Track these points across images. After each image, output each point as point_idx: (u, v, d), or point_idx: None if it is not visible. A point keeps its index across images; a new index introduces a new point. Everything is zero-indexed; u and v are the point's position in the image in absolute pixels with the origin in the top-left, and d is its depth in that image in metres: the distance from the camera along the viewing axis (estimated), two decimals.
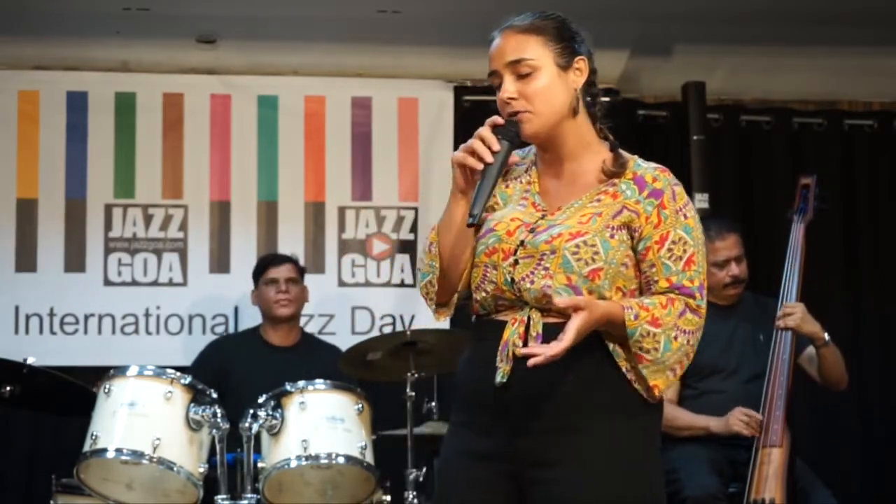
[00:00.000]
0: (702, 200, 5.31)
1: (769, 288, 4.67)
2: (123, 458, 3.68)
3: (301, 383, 3.92)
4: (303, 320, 5.13)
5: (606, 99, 2.68)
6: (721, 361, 4.48)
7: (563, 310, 2.25)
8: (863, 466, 5.46)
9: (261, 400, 3.90)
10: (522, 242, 2.38)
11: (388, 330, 5.29)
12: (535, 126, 2.40)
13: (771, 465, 4.13)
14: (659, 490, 2.41)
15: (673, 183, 2.41)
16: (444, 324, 5.05)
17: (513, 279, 2.37)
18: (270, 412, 3.86)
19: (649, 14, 5.13)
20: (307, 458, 3.81)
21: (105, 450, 3.68)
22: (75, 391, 4.04)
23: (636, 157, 2.47)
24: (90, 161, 5.30)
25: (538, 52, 2.40)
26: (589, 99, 2.51)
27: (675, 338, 2.33)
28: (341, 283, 5.40)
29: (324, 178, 5.44)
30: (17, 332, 5.18)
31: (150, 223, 5.32)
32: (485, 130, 2.37)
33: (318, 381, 3.99)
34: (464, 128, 5.31)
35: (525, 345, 2.32)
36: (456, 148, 2.49)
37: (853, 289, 5.61)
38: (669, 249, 2.35)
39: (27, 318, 5.19)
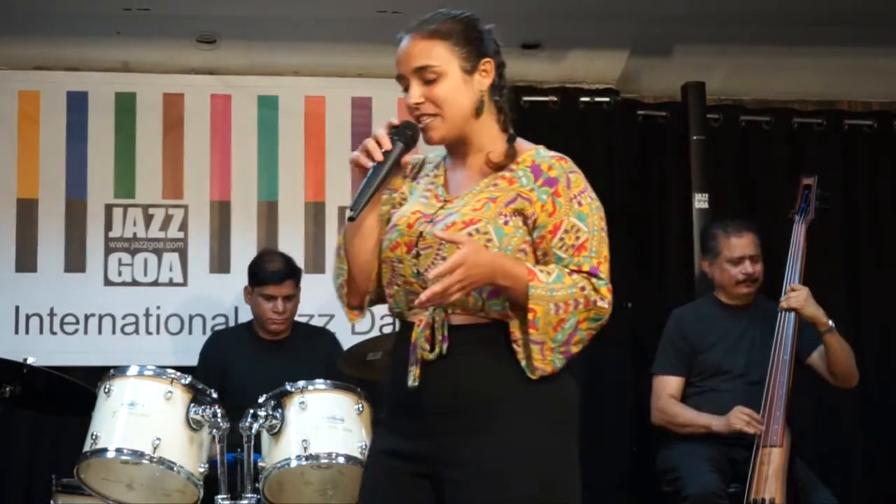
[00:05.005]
0: (702, 200, 5.30)
1: (770, 288, 4.67)
2: (124, 457, 3.68)
3: (301, 383, 3.92)
4: (303, 320, 5.12)
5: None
6: (727, 362, 4.48)
7: (451, 241, 2.30)
8: (863, 466, 5.46)
9: (261, 400, 3.90)
10: (422, 234, 2.42)
11: (388, 330, 5.28)
12: (441, 132, 2.45)
13: (771, 465, 4.14)
14: (567, 490, 2.39)
15: (569, 171, 2.42)
16: None
17: (418, 271, 2.41)
18: (270, 412, 3.85)
19: (649, 14, 5.14)
20: (307, 457, 3.80)
21: (105, 449, 3.67)
22: (75, 391, 4.03)
23: (540, 147, 2.50)
24: (90, 161, 5.30)
25: (444, 58, 2.43)
26: (497, 97, 2.51)
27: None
28: None
29: (324, 178, 5.44)
30: (17, 332, 5.18)
31: (150, 223, 5.32)
32: (380, 130, 2.41)
33: (318, 381, 3.98)
34: None
35: (432, 349, 2.37)
36: None
37: (853, 289, 5.61)
38: (561, 238, 2.37)
39: (27, 318, 5.19)
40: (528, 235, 2.39)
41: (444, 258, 2.36)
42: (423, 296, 2.26)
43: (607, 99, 5.53)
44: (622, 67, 5.53)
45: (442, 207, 2.45)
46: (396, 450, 2.44)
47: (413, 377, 2.39)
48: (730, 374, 4.47)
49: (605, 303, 2.34)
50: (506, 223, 2.37)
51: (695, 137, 5.38)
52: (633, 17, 5.17)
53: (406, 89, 2.47)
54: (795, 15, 5.16)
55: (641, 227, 5.57)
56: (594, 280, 2.34)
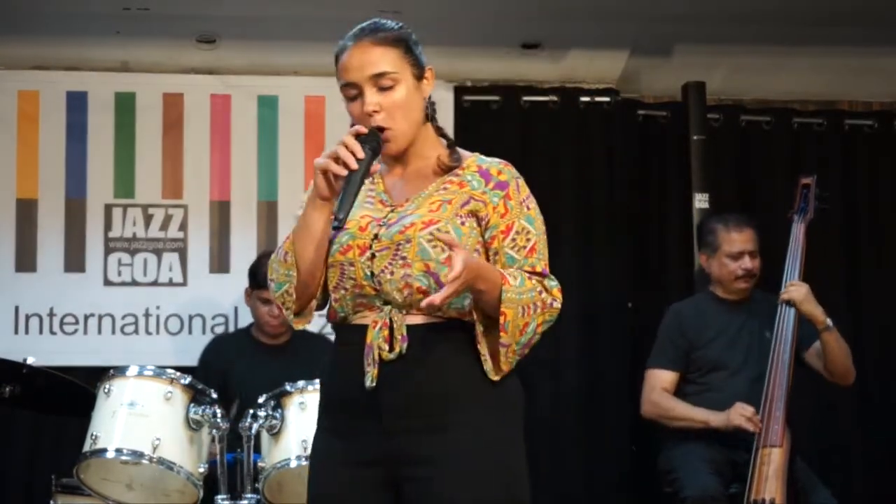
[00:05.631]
0: (702, 200, 5.30)
1: (768, 286, 4.67)
2: (123, 458, 3.68)
3: (301, 383, 3.92)
4: None
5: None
6: (725, 357, 4.48)
7: (448, 244, 2.30)
8: (862, 466, 5.46)
9: (261, 400, 3.90)
10: (377, 236, 2.43)
11: None
12: (399, 143, 2.47)
13: (771, 465, 4.14)
14: (524, 490, 2.45)
15: (516, 176, 2.51)
16: None
17: (372, 273, 2.42)
18: (270, 412, 3.86)
19: (649, 14, 5.13)
20: (307, 458, 3.79)
21: (105, 450, 3.67)
22: (75, 391, 4.03)
23: (478, 153, 2.56)
24: (90, 161, 5.29)
25: (399, 65, 2.46)
26: (428, 103, 2.56)
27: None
28: None
29: None
30: (16, 332, 5.17)
31: (149, 223, 5.32)
32: (349, 138, 2.39)
33: (318, 381, 3.98)
34: (464, 127, 5.30)
35: (391, 349, 2.38)
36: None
37: (853, 289, 5.61)
38: (513, 239, 2.45)
39: (27, 318, 5.19)
40: (481, 237, 2.46)
41: (403, 258, 2.39)
42: (437, 297, 2.25)
43: (607, 99, 5.53)
44: (622, 67, 5.53)
45: (392, 211, 2.48)
46: (349, 455, 2.44)
47: (371, 378, 2.38)
48: (728, 368, 4.46)
49: (557, 303, 2.44)
50: (462, 223, 2.43)
51: (695, 137, 5.38)
52: (633, 17, 5.16)
53: (353, 98, 2.47)
54: (795, 15, 5.16)
55: (641, 227, 5.57)
56: (546, 281, 2.43)
